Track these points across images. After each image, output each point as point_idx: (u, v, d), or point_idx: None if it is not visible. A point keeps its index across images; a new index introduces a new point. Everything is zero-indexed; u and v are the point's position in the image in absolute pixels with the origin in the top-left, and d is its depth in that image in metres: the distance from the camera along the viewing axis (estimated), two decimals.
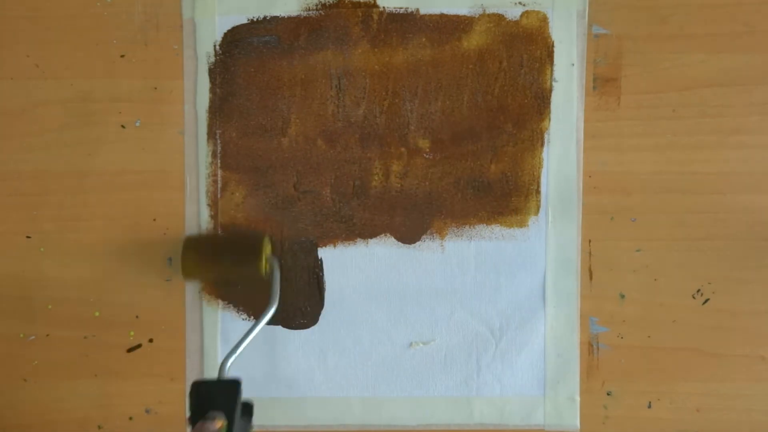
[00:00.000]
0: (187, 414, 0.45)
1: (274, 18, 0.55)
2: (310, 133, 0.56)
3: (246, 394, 0.56)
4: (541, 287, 0.56)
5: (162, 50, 0.56)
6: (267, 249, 0.53)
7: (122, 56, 0.56)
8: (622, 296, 0.56)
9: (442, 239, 0.56)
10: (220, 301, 0.56)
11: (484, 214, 0.56)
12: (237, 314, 0.56)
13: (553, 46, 0.55)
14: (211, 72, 0.56)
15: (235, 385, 0.45)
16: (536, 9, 0.55)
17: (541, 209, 0.55)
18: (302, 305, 0.55)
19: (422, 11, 0.55)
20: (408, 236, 0.56)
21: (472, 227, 0.56)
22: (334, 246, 0.56)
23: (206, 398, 0.44)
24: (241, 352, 0.48)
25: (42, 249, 0.57)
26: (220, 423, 0.42)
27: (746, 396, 0.56)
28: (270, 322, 0.56)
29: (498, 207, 0.56)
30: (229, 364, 0.48)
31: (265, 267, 0.52)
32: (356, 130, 0.56)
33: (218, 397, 0.45)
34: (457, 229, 0.56)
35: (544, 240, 0.56)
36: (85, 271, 0.57)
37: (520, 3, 0.55)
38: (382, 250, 0.56)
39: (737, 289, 0.56)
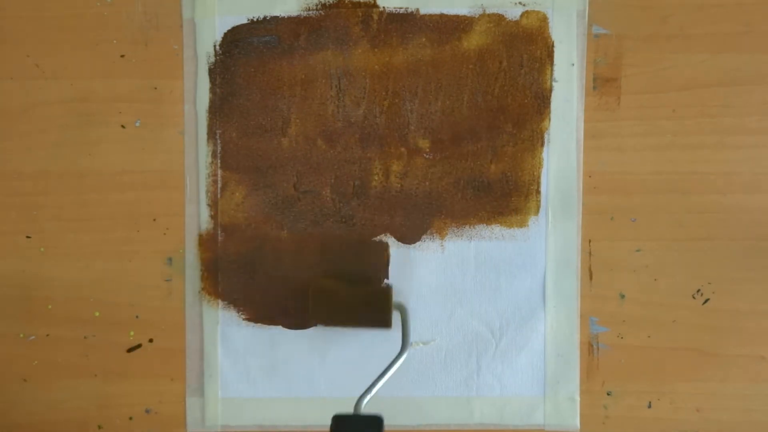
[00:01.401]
0: None
1: (274, 18, 0.55)
2: (310, 133, 0.56)
3: (246, 394, 0.57)
4: (541, 287, 0.56)
5: (162, 50, 0.56)
6: (393, 300, 0.53)
7: (122, 56, 0.56)
8: (622, 296, 0.56)
9: (442, 239, 0.56)
10: (220, 301, 0.57)
11: (484, 214, 0.56)
12: (237, 314, 0.56)
13: (553, 46, 0.55)
14: (211, 72, 0.56)
15: (377, 421, 0.45)
16: (536, 9, 0.55)
17: (541, 209, 0.56)
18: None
19: (422, 11, 0.55)
20: (408, 236, 0.56)
21: (472, 227, 0.56)
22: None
23: None
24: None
25: (42, 249, 0.57)
26: None
27: (746, 396, 0.56)
28: (270, 322, 0.56)
29: (498, 207, 0.56)
30: (364, 402, 0.48)
31: (392, 319, 0.53)
32: (356, 130, 0.56)
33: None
34: (457, 229, 0.56)
35: (544, 240, 0.56)
36: (85, 271, 0.57)
37: (520, 3, 0.55)
38: None
39: (737, 289, 0.56)
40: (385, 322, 0.52)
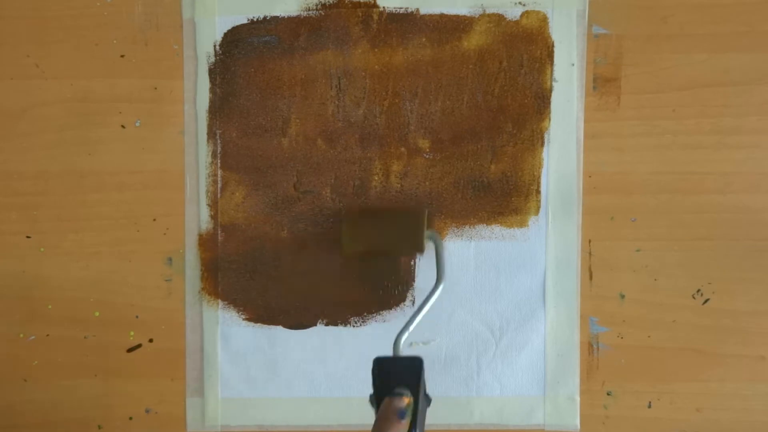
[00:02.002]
0: (371, 391, 0.44)
1: (274, 18, 0.55)
2: (310, 133, 0.56)
3: (246, 394, 0.57)
4: (541, 287, 0.56)
5: (162, 50, 0.56)
6: (426, 225, 0.53)
7: (122, 56, 0.56)
8: (622, 296, 0.56)
9: (442, 239, 0.56)
10: (220, 301, 0.57)
11: (484, 214, 0.56)
12: (237, 314, 0.56)
13: (553, 46, 0.55)
14: (211, 72, 0.56)
15: (417, 362, 0.44)
16: (536, 9, 0.55)
17: (541, 209, 0.56)
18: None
19: (422, 11, 0.55)
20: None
21: (472, 227, 0.56)
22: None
23: (390, 375, 0.44)
24: (411, 330, 0.49)
25: (42, 249, 0.57)
26: (407, 400, 0.41)
27: (746, 396, 0.56)
28: (270, 322, 0.56)
29: (498, 207, 0.56)
30: (402, 341, 0.48)
31: (425, 243, 0.52)
32: (356, 130, 0.56)
33: (402, 373, 0.44)
34: (457, 229, 0.56)
35: (544, 240, 0.56)
36: (85, 271, 0.57)
37: (520, 3, 0.55)
38: None
39: (737, 289, 0.56)
40: (417, 246, 0.52)
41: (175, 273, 0.57)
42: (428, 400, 0.45)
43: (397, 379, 0.44)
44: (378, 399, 0.43)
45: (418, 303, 0.54)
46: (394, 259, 0.55)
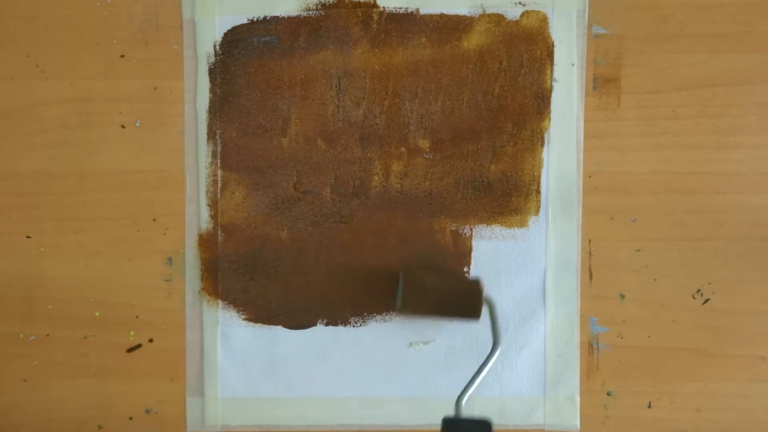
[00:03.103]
0: None
1: (274, 18, 0.55)
2: (310, 133, 0.56)
3: (246, 393, 0.57)
4: (541, 287, 0.56)
5: (162, 50, 0.56)
6: (482, 292, 0.53)
7: (122, 56, 0.56)
8: (622, 296, 0.56)
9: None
10: (220, 301, 0.57)
11: (484, 214, 0.56)
12: (237, 314, 0.56)
13: (553, 46, 0.55)
14: (211, 72, 0.56)
15: (487, 426, 0.46)
16: (536, 9, 0.55)
17: (541, 209, 0.56)
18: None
19: (422, 11, 0.55)
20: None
21: (472, 227, 0.56)
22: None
23: None
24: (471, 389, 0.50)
25: (42, 249, 0.57)
26: None
27: (746, 396, 0.56)
28: (270, 322, 0.56)
29: (498, 207, 0.56)
30: (464, 401, 0.49)
31: (481, 313, 0.52)
32: (356, 130, 0.56)
33: None
34: (458, 229, 0.56)
35: (544, 240, 0.56)
36: (85, 271, 0.57)
37: (520, 3, 0.55)
38: None
39: (737, 289, 0.56)
40: (474, 313, 0.52)
41: (175, 273, 0.57)
42: None
43: None
44: None
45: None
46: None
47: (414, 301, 0.53)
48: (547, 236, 0.56)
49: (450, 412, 0.56)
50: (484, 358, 0.51)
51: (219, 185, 0.56)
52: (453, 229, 0.56)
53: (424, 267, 0.55)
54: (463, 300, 0.52)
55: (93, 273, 0.57)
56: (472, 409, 0.56)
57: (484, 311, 0.52)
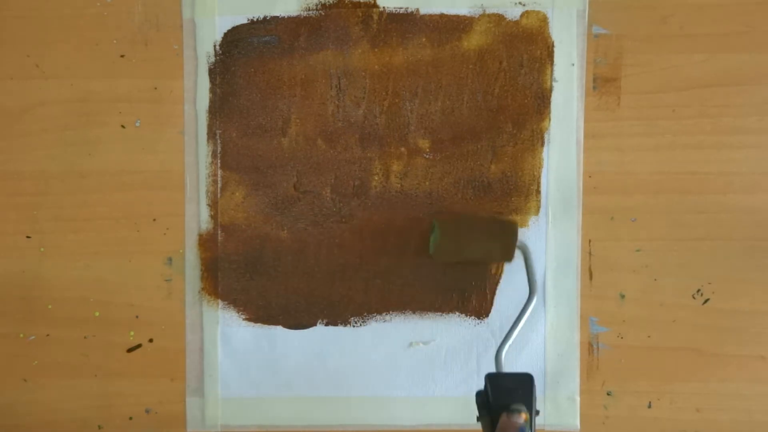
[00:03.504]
0: (482, 408, 0.45)
1: (274, 18, 0.55)
2: (310, 133, 0.56)
3: (246, 393, 0.57)
4: (541, 287, 0.56)
5: (162, 50, 0.56)
6: (516, 235, 0.53)
7: (122, 56, 0.56)
8: (622, 296, 0.56)
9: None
10: (220, 301, 0.57)
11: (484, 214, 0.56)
12: (237, 314, 0.56)
13: (553, 46, 0.55)
14: (211, 72, 0.56)
15: (529, 378, 0.45)
16: (536, 9, 0.55)
17: (541, 209, 0.55)
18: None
19: (422, 11, 0.55)
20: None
21: None
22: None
23: (503, 391, 0.45)
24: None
25: (42, 249, 0.57)
26: (525, 416, 0.42)
27: (746, 396, 0.56)
28: (270, 322, 0.56)
29: (498, 207, 0.56)
30: (503, 355, 0.49)
31: (513, 253, 0.52)
32: (356, 130, 0.56)
33: (515, 389, 0.45)
34: None
35: (544, 240, 0.56)
36: (85, 271, 0.57)
37: (520, 3, 0.55)
38: None
39: (737, 289, 0.56)
40: (508, 255, 0.52)
41: (175, 273, 0.57)
42: (537, 413, 0.45)
43: (510, 394, 0.44)
44: (493, 414, 0.44)
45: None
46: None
47: (448, 245, 0.53)
48: (547, 236, 0.56)
49: (450, 411, 0.56)
50: (513, 323, 0.50)
51: (219, 185, 0.56)
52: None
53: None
54: (497, 242, 0.52)
55: (93, 273, 0.57)
56: (472, 410, 0.56)
57: (518, 256, 0.52)
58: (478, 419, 0.45)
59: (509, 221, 0.53)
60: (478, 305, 0.56)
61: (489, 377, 0.45)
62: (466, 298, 0.56)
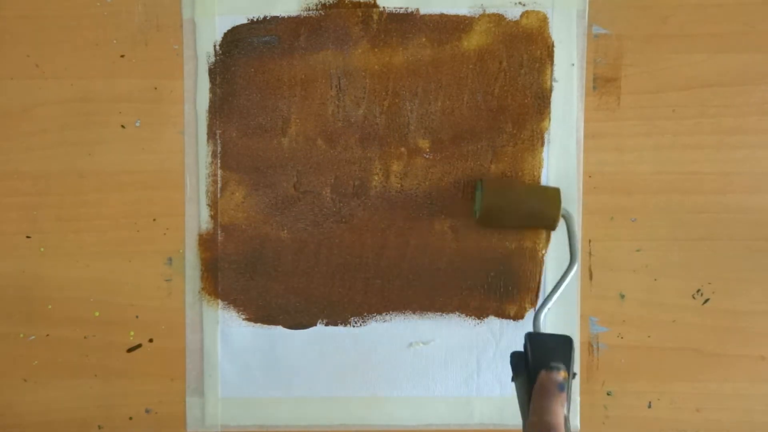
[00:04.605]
0: (519, 364, 0.45)
1: (274, 18, 0.55)
2: (310, 133, 0.56)
3: (246, 393, 0.57)
4: (543, 284, 0.56)
5: (162, 50, 0.56)
6: (560, 202, 0.53)
7: (122, 56, 0.56)
8: (622, 296, 0.56)
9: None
10: (220, 301, 0.57)
11: None
12: (237, 314, 0.56)
13: (553, 46, 0.55)
14: (211, 72, 0.56)
15: (569, 341, 0.45)
16: (536, 9, 0.55)
17: None
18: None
19: (422, 11, 0.55)
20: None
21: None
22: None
23: (542, 350, 0.44)
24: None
25: (42, 249, 0.57)
26: (564, 374, 0.42)
27: (746, 396, 0.56)
28: (270, 322, 0.56)
29: None
30: (542, 317, 0.49)
31: (558, 220, 0.52)
32: (356, 130, 0.56)
33: (555, 349, 0.45)
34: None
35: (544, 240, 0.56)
36: (85, 271, 0.57)
37: (520, 3, 0.55)
38: None
39: (737, 289, 0.56)
40: (552, 223, 0.52)
41: (175, 273, 0.57)
42: (574, 375, 0.45)
43: (549, 354, 0.44)
44: (532, 371, 0.44)
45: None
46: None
47: (494, 209, 0.52)
48: (547, 236, 0.56)
49: (450, 411, 0.56)
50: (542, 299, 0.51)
51: (219, 185, 0.56)
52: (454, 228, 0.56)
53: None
54: (542, 209, 0.52)
55: (93, 273, 0.57)
56: (472, 410, 0.56)
57: (561, 223, 0.52)
58: (513, 379, 0.45)
59: (553, 188, 0.53)
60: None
61: (529, 336, 0.45)
62: (466, 298, 0.56)
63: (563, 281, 0.50)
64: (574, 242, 0.52)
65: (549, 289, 0.55)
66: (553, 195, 0.52)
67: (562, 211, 0.52)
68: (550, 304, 0.50)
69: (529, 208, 0.52)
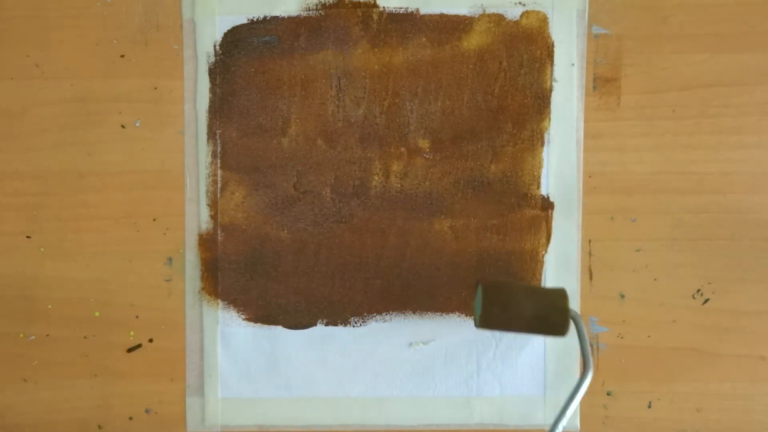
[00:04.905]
0: None
1: (274, 18, 0.55)
2: (310, 133, 0.56)
3: (246, 394, 0.57)
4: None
5: (162, 50, 0.56)
6: (568, 305, 0.49)
7: (122, 56, 0.56)
8: (622, 296, 0.56)
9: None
10: (220, 301, 0.57)
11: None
12: (237, 314, 0.56)
13: (553, 46, 0.55)
14: (211, 72, 0.56)
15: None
16: (536, 9, 0.55)
17: None
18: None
19: (422, 11, 0.55)
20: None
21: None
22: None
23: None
24: None
25: (42, 249, 0.57)
26: None
27: (746, 396, 0.56)
28: (270, 322, 0.56)
29: (498, 207, 0.55)
30: (560, 429, 0.46)
31: (568, 327, 0.49)
32: (356, 130, 0.56)
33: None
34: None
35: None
36: (85, 271, 0.57)
37: (520, 3, 0.55)
38: None
39: (737, 289, 0.56)
40: (561, 330, 0.48)
41: (175, 273, 0.57)
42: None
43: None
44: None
45: None
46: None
47: (495, 316, 0.49)
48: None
49: (450, 411, 0.56)
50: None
51: (219, 185, 0.56)
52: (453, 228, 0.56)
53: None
54: (548, 315, 0.49)
55: (93, 273, 0.57)
56: (471, 410, 0.56)
57: (571, 328, 0.49)
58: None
59: (559, 292, 0.49)
60: None
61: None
62: (466, 298, 0.56)
63: (578, 392, 0.47)
64: (586, 349, 0.48)
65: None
66: (557, 298, 0.49)
67: (570, 314, 0.48)
68: (564, 421, 0.46)
69: (534, 314, 0.48)
